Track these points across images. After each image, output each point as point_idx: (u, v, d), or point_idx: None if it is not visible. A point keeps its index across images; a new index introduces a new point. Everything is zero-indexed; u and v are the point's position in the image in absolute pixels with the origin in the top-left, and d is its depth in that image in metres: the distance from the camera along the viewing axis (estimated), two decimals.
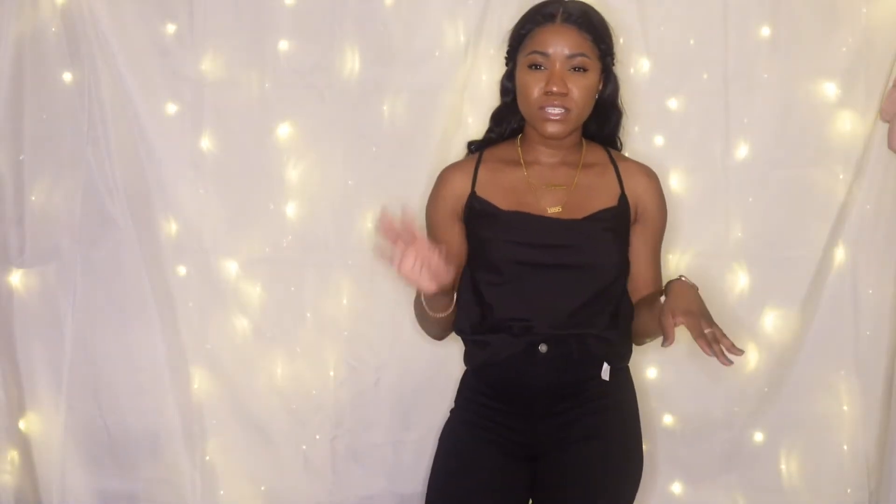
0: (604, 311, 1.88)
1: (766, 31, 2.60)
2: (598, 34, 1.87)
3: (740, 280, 2.67)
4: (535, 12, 1.89)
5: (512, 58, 1.94)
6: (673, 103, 2.64)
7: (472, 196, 1.91)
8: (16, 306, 2.69)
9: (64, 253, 2.67)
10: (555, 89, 1.81)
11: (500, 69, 2.60)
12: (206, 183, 2.70)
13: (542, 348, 1.85)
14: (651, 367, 2.70)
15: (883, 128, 2.53)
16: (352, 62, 2.65)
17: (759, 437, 2.69)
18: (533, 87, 1.84)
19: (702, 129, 2.65)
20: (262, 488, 2.76)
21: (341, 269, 2.70)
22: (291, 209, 2.71)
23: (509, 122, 1.99)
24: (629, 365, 2.01)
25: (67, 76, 2.65)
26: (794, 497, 2.68)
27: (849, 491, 2.66)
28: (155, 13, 2.65)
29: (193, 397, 2.73)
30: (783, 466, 2.69)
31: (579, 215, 1.87)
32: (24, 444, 2.71)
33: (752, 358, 2.69)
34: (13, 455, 2.72)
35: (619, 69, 1.99)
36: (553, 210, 1.87)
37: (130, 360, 2.70)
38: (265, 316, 2.73)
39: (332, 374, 2.73)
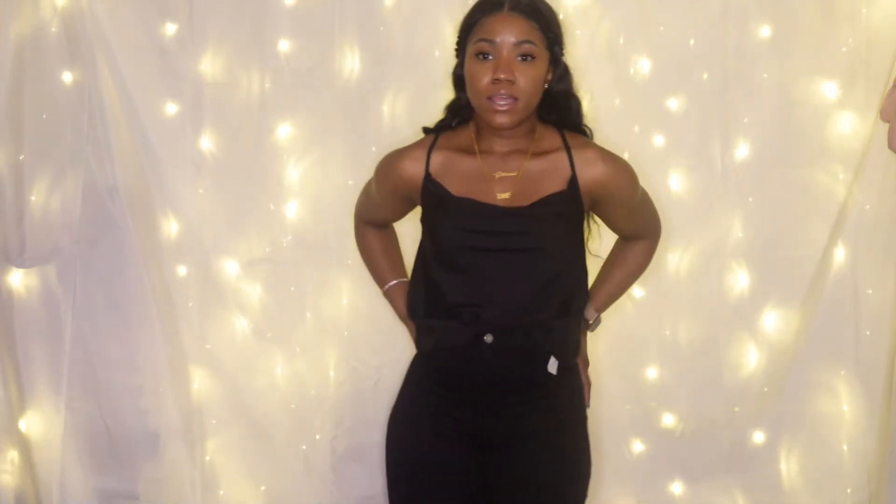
0: (552, 300, 1.89)
1: (766, 31, 2.60)
2: (545, 22, 1.86)
3: (740, 280, 2.67)
4: (483, 2, 1.89)
5: (462, 48, 1.92)
6: (673, 103, 2.64)
7: (427, 179, 1.92)
8: (16, 306, 2.69)
9: (64, 253, 2.68)
10: (502, 76, 1.79)
11: None
12: (206, 183, 2.70)
13: (488, 338, 1.86)
14: (651, 367, 2.70)
15: (883, 128, 2.52)
16: (352, 62, 2.65)
17: (759, 437, 2.69)
18: (481, 76, 1.82)
19: (702, 129, 2.65)
20: (262, 488, 2.76)
21: (341, 269, 2.70)
22: (291, 209, 2.71)
23: (464, 113, 1.98)
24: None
25: (67, 76, 2.65)
26: (794, 497, 2.68)
27: (849, 491, 2.66)
28: (155, 13, 2.66)
29: (193, 397, 2.73)
30: (783, 466, 2.69)
31: (527, 202, 1.87)
32: (24, 444, 2.71)
33: (752, 358, 2.69)
34: (13, 455, 2.72)
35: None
36: (502, 196, 1.88)
37: (130, 360, 2.71)
38: (265, 316, 2.73)
39: (332, 374, 2.74)
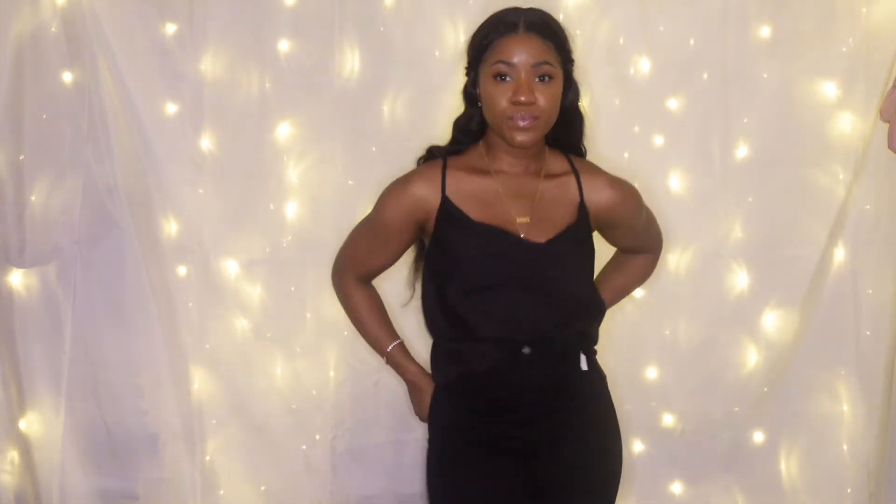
0: (575, 315, 1.94)
1: (766, 31, 2.60)
2: (559, 41, 1.88)
3: (740, 280, 2.67)
4: (496, 22, 1.89)
5: (474, 68, 1.93)
6: (673, 103, 2.64)
7: (445, 201, 1.90)
8: (16, 306, 2.68)
9: (64, 253, 2.67)
10: (523, 99, 1.81)
11: None
12: (206, 183, 2.70)
13: (526, 350, 1.87)
14: (651, 367, 2.70)
15: (883, 128, 2.53)
16: (352, 62, 2.65)
17: (759, 437, 2.69)
18: (500, 97, 1.83)
19: (702, 129, 2.65)
20: (262, 488, 2.76)
21: None
22: (291, 209, 2.71)
23: (475, 131, 1.98)
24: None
25: (67, 76, 2.65)
26: (794, 497, 2.68)
27: (849, 491, 2.66)
28: (155, 13, 2.65)
29: (193, 397, 2.73)
30: (783, 466, 2.69)
31: (545, 230, 1.89)
32: (24, 444, 2.71)
33: (752, 358, 2.69)
34: (13, 455, 2.72)
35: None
36: (521, 220, 1.89)
37: (130, 360, 2.70)
38: (265, 316, 2.73)
39: (332, 374, 2.73)
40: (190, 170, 2.69)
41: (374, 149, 2.67)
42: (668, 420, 2.72)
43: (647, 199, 2.65)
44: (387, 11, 2.64)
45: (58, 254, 2.67)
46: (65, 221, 2.67)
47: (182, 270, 2.72)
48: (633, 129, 2.65)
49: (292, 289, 2.72)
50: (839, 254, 2.61)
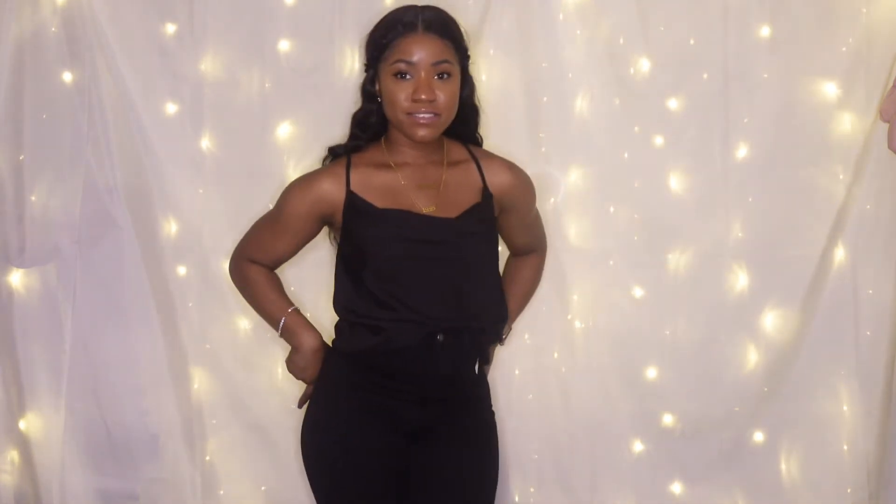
0: (486, 304, 2.01)
1: (766, 31, 2.60)
2: (456, 39, 1.97)
3: (740, 280, 2.66)
4: (394, 21, 1.96)
5: (373, 65, 2.00)
6: (673, 103, 2.64)
7: (351, 195, 1.96)
8: (16, 306, 2.68)
9: (64, 253, 2.67)
10: (423, 97, 1.89)
11: (499, 69, 2.62)
12: (206, 183, 2.70)
13: (440, 337, 1.93)
14: (651, 367, 2.70)
15: (883, 128, 2.53)
16: (352, 62, 2.65)
17: (759, 437, 2.69)
18: (399, 94, 1.92)
19: (702, 129, 2.64)
20: (262, 488, 2.76)
21: None
22: None
23: (374, 127, 2.05)
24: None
25: (67, 76, 2.65)
26: (794, 497, 2.67)
27: (849, 491, 2.66)
28: (155, 13, 2.65)
29: (193, 397, 2.73)
30: (783, 466, 2.68)
31: (452, 213, 1.96)
32: (24, 444, 2.71)
33: (752, 358, 2.68)
34: (13, 455, 2.72)
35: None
36: (427, 209, 1.96)
37: (130, 360, 2.70)
38: None
39: None
40: (190, 170, 2.69)
41: None
42: (668, 420, 2.71)
43: (648, 199, 2.68)
44: (387, 12, 2.64)
45: (58, 254, 2.67)
46: (65, 221, 2.67)
47: (182, 270, 2.72)
48: (633, 129, 2.65)
49: (292, 289, 2.71)
50: (839, 254, 2.60)
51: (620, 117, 2.64)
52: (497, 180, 2.04)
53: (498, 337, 2.16)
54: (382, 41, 1.96)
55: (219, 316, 2.73)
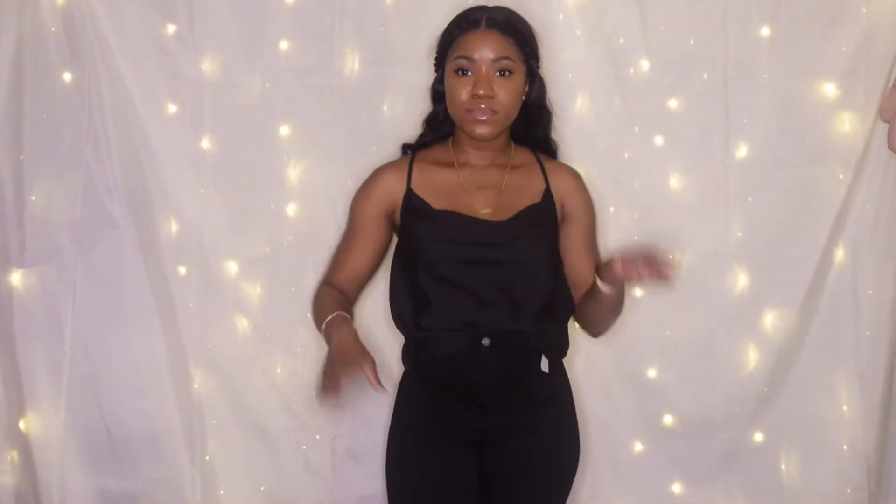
0: (539, 305, 1.94)
1: (766, 31, 2.60)
2: (521, 37, 1.94)
3: (740, 280, 2.67)
4: (460, 19, 1.96)
5: (440, 64, 2.00)
6: (673, 103, 2.64)
7: (409, 193, 1.96)
8: (16, 306, 2.68)
9: (64, 253, 2.67)
10: (481, 92, 1.87)
11: None
12: (206, 183, 2.70)
13: (486, 341, 1.90)
14: (651, 367, 2.70)
15: (883, 128, 2.53)
16: (352, 62, 2.66)
17: (759, 437, 2.69)
18: (460, 90, 1.90)
19: (702, 129, 2.65)
20: (262, 488, 2.76)
21: None
22: (291, 209, 2.71)
23: (442, 126, 2.05)
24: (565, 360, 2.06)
25: (67, 76, 2.65)
26: (794, 497, 2.68)
27: (849, 491, 2.66)
28: (155, 13, 2.65)
29: (193, 397, 2.73)
30: (783, 466, 2.69)
31: (508, 215, 1.94)
32: (24, 444, 2.71)
33: (752, 358, 2.69)
34: (13, 455, 2.72)
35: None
36: (485, 211, 1.94)
37: (130, 360, 2.70)
38: (265, 316, 2.73)
39: None
40: (190, 170, 2.69)
41: (374, 149, 2.66)
42: (668, 420, 2.72)
43: (648, 199, 2.68)
44: (387, 11, 2.64)
45: (58, 254, 2.67)
46: (65, 221, 2.67)
47: (182, 270, 2.72)
48: (633, 129, 2.65)
49: (292, 289, 2.72)
50: (839, 254, 2.61)
51: (620, 117, 2.64)
52: (560, 182, 2.01)
53: (554, 340, 2.00)
54: (448, 39, 1.96)
55: (219, 316, 2.73)
